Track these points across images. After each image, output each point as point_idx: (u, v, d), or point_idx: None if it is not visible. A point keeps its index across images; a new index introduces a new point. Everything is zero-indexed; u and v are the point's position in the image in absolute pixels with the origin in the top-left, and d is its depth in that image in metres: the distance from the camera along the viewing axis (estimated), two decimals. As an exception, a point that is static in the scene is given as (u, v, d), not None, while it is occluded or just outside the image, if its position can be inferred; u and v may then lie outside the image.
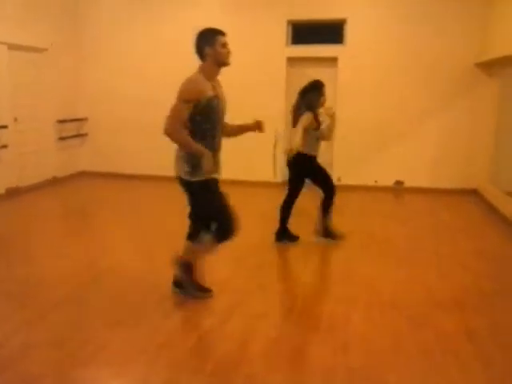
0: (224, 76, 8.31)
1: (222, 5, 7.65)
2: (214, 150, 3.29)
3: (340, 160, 7.67)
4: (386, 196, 7.26)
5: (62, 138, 7.94)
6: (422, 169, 7.54)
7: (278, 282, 4.08)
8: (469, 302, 3.65)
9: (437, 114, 7.34)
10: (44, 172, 7.69)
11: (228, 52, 3.25)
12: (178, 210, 6.34)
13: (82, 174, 8.54)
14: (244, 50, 7.66)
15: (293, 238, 4.94)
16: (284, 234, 4.92)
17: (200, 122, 3.17)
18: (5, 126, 6.71)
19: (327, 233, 4.94)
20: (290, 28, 7.61)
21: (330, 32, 7.51)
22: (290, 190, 4.85)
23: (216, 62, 3.24)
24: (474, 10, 6.91)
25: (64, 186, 7.76)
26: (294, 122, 4.66)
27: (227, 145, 3.59)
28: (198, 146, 3.14)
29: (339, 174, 7.67)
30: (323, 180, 4.86)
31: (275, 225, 4.92)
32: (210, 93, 3.15)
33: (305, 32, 7.61)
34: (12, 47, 6.82)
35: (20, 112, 7.11)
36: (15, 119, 6.98)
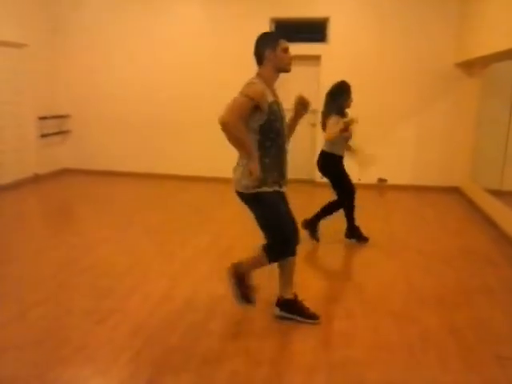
0: (205, 74, 8.32)
1: (204, 3, 7.61)
2: (279, 161, 3.07)
3: (323, 158, 7.69)
4: (369, 194, 7.30)
5: (43, 135, 7.84)
6: (405, 167, 7.61)
7: (259, 278, 4.07)
8: (451, 298, 3.70)
9: (419, 113, 7.41)
10: (25, 169, 7.58)
11: (290, 58, 3.08)
12: (159, 206, 6.36)
13: (65, 172, 8.44)
14: (227, 47, 7.66)
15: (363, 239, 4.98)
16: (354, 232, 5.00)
17: (265, 131, 2.96)
18: (-16, 123, 6.61)
19: (314, 230, 4.98)
20: (273, 26, 7.60)
21: (313, 30, 7.52)
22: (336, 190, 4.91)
23: (276, 68, 3.06)
24: (454, 10, 6.99)
25: (46, 183, 7.67)
26: (324, 125, 4.76)
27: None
28: (253, 150, 2.93)
29: (322, 172, 7.71)
30: (344, 185, 4.88)
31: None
32: (270, 98, 2.97)
33: (288, 30, 7.61)
34: (-9, 43, 6.72)
35: (0, 109, 6.99)
36: (-5, 116, 6.87)
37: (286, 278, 3.28)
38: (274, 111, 2.97)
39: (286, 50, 3.05)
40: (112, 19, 7.92)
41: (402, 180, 7.61)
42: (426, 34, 7.13)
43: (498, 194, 5.71)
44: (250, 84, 2.94)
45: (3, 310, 3.35)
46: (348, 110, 4.82)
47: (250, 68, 7.34)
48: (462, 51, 6.82)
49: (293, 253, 3.17)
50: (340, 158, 4.85)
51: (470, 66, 6.96)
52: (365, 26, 7.32)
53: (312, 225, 4.95)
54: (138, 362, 2.74)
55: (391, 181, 7.65)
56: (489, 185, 6.08)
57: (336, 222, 5.06)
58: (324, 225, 5.00)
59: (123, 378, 2.60)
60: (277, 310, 3.32)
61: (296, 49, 7.50)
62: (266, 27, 7.48)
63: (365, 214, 6.06)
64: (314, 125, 7.64)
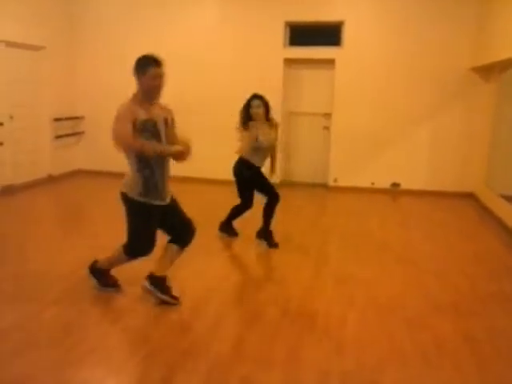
0: (222, 76, 8.33)
1: (221, 6, 7.64)
2: (154, 176, 3.32)
3: (336, 161, 7.67)
4: (382, 198, 7.26)
5: (58, 137, 7.91)
6: (419, 171, 7.55)
7: (274, 283, 4.06)
8: (466, 305, 3.65)
9: (433, 117, 7.36)
10: (39, 170, 7.65)
11: (158, 85, 3.18)
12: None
13: (78, 173, 8.51)
14: (242, 50, 7.67)
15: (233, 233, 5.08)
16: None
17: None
18: (0, 124, 6.69)
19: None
20: (288, 29, 7.60)
21: (327, 34, 7.51)
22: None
23: (143, 92, 3.21)
24: (471, 14, 6.94)
25: (60, 184, 7.73)
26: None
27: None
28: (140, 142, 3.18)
29: (335, 176, 7.70)
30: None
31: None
32: (142, 116, 3.13)
33: (302, 34, 7.61)
34: (9, 45, 6.79)
35: (16, 110, 7.07)
36: (11, 117, 6.94)
37: (165, 260, 3.54)
38: (147, 128, 3.15)
39: (154, 78, 3.13)
40: (127, 22, 7.98)
41: (415, 185, 7.55)
42: (442, 38, 7.08)
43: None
44: (119, 108, 3.17)
45: (19, 309, 3.36)
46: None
47: (265, 71, 7.40)
48: (478, 56, 6.76)
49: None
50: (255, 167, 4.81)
51: (487, 71, 6.89)
52: (379, 30, 7.28)
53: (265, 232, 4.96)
54: (149, 364, 2.74)
55: (405, 186, 7.59)
56: (504, 190, 6.00)
57: (342, 227, 5.02)
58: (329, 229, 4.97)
59: (136, 379, 2.60)
60: (146, 283, 3.51)
61: (310, 53, 7.59)
62: (281, 31, 7.49)
63: (379, 219, 6.03)
64: (327, 128, 7.62)
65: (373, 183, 7.60)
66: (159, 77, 3.15)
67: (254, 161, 4.74)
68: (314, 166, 7.90)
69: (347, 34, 7.36)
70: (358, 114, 7.45)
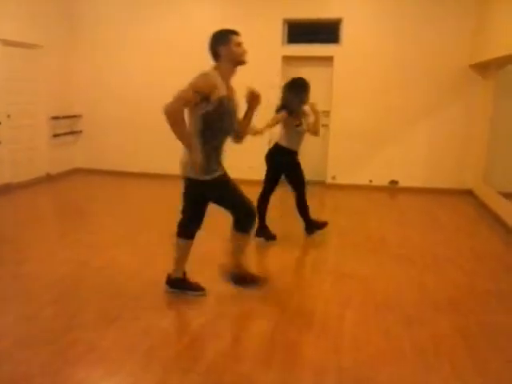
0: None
1: (220, 4, 7.63)
2: (216, 150, 3.31)
3: (335, 159, 7.68)
4: (380, 195, 7.26)
5: (56, 135, 7.90)
6: (417, 169, 7.55)
7: (272, 280, 4.06)
8: (463, 301, 3.66)
9: (432, 115, 7.36)
10: (37, 169, 7.65)
11: (243, 50, 3.21)
12: (171, 207, 6.35)
13: (77, 171, 8.50)
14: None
15: (271, 237, 4.96)
16: (263, 231, 4.95)
17: (211, 121, 3.13)
18: (-2, 123, 6.68)
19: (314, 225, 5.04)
20: (286, 27, 7.59)
21: (325, 31, 7.50)
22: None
23: (231, 61, 3.20)
24: (469, 11, 6.93)
25: (58, 182, 7.72)
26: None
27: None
28: (193, 142, 3.16)
29: (334, 173, 7.71)
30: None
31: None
32: (223, 92, 3.11)
33: (301, 31, 7.60)
34: (6, 43, 6.78)
35: (13, 108, 7.06)
36: (8, 116, 6.93)
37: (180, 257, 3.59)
38: (223, 105, 3.12)
39: (238, 44, 3.18)
40: (126, 21, 7.97)
41: (413, 182, 7.56)
42: (440, 35, 7.08)
43: (511, 196, 5.65)
44: (203, 75, 3.07)
45: (17, 309, 3.37)
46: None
47: (264, 68, 7.40)
48: (476, 52, 6.76)
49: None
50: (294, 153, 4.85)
51: (484, 68, 6.89)
52: (377, 28, 7.28)
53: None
54: (146, 363, 2.74)
55: (403, 183, 7.60)
56: (502, 187, 6.01)
57: (340, 224, 5.03)
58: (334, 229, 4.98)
59: (134, 378, 2.60)
60: (167, 288, 3.64)
61: (309, 50, 7.58)
62: (279, 29, 7.48)
63: (377, 216, 6.04)
64: (325, 125, 7.62)
65: (371, 181, 7.61)
66: (242, 43, 3.20)
67: (294, 147, 4.80)
68: (313, 163, 7.88)
69: (345, 32, 7.36)
70: (357, 112, 7.45)
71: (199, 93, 2.99)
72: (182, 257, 3.59)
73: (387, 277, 4.14)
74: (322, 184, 7.77)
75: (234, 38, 3.18)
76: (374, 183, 7.59)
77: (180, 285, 3.61)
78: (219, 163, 3.35)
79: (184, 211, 3.57)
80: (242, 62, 3.24)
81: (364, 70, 7.39)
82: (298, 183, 4.89)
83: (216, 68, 3.19)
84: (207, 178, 3.24)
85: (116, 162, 8.42)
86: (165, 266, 3.81)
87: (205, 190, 3.32)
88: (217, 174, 3.29)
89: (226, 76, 3.21)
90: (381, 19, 7.25)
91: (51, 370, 2.65)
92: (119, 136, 8.32)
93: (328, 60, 7.47)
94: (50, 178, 7.81)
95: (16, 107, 7.12)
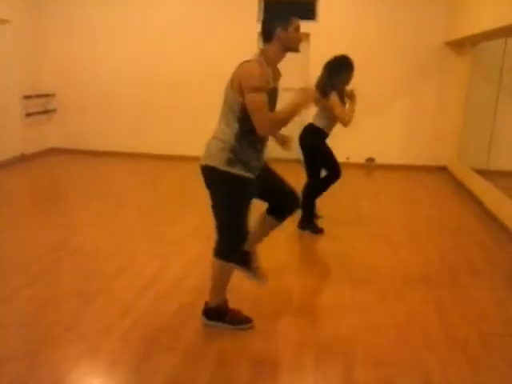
0: (196, 50, 8.19)
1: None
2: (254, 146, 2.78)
3: (312, 137, 7.68)
4: (357, 173, 7.32)
5: (28, 114, 7.72)
6: (393, 146, 7.63)
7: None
8: (437, 277, 3.76)
9: (408, 92, 7.41)
10: (11, 149, 7.46)
11: (301, 37, 2.90)
12: (148, 186, 6.34)
13: (52, 151, 8.35)
14: (216, 25, 7.55)
15: (318, 230, 4.71)
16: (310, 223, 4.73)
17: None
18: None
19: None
20: (262, 3, 7.50)
21: (302, 8, 7.44)
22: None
23: (284, 46, 2.82)
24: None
25: (33, 163, 7.58)
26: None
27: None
28: (291, 107, 2.71)
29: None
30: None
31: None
32: (270, 83, 2.75)
33: (277, 7, 7.51)
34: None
35: (-17, 87, 6.87)
36: (-22, 95, 6.75)
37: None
38: (270, 98, 2.74)
39: (297, 29, 2.88)
40: (97, -5, 7.77)
41: (389, 159, 7.64)
42: (417, 12, 7.09)
43: (484, 173, 5.76)
44: (252, 69, 2.65)
45: (-9, 291, 3.34)
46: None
47: (240, 46, 7.32)
48: (451, 30, 6.80)
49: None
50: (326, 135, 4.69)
51: (460, 45, 6.94)
52: (354, 4, 7.25)
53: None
54: (127, 342, 2.76)
55: (380, 160, 7.68)
56: (476, 164, 6.12)
57: (317, 202, 5.07)
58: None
59: (113, 357, 2.62)
60: (203, 319, 3.03)
61: (285, 27, 7.49)
62: (255, 5, 7.39)
63: (353, 193, 6.11)
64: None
65: (348, 158, 7.64)
66: (300, 30, 2.91)
67: (327, 130, 4.67)
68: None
69: (322, 9, 7.31)
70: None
71: (264, 88, 2.63)
72: (225, 281, 2.96)
73: (363, 253, 4.21)
74: (298, 161, 7.77)
75: (295, 22, 2.85)
76: (351, 160, 7.63)
77: (222, 316, 2.99)
78: (260, 159, 2.85)
79: (228, 225, 2.83)
80: (295, 50, 2.90)
81: (340, 48, 7.23)
82: (319, 170, 4.71)
83: (263, 52, 2.79)
84: (249, 175, 2.74)
85: (91, 141, 8.29)
86: (141, 245, 3.81)
87: (247, 186, 2.77)
88: (257, 171, 2.81)
89: (273, 61, 2.81)
90: (357, -4, 7.21)
91: (30, 350, 2.65)
92: (94, 114, 8.17)
93: (305, 37, 7.42)
94: (24, 159, 7.66)
95: (-14, 86, 6.92)
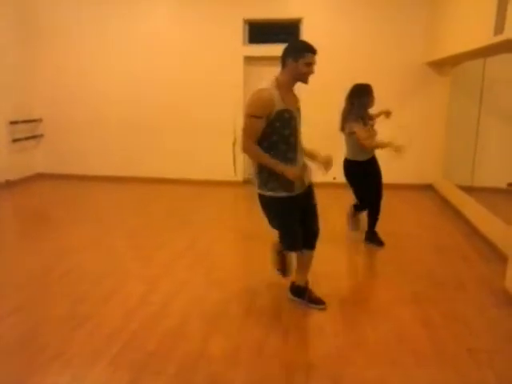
0: (181, 74, 8.25)
1: (179, 3, 7.59)
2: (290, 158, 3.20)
3: (299, 158, 7.74)
4: (344, 192, 7.36)
5: (15, 140, 7.71)
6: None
7: (235, 279, 4.09)
8: (424, 293, 3.78)
9: (391, 111, 7.51)
10: (-4, 175, 7.43)
11: (310, 72, 3.16)
12: (136, 210, 6.32)
13: (38, 177, 8.31)
14: (201, 48, 7.65)
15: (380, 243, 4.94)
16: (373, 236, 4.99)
17: (266, 135, 3.04)
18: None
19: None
20: (247, 27, 7.63)
21: (286, 31, 7.57)
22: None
23: (292, 77, 3.13)
24: (423, 12, 7.11)
25: (18, 189, 7.54)
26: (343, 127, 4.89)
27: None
28: (275, 162, 3.07)
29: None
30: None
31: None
32: (280, 105, 3.00)
33: (262, 31, 7.65)
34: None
35: (-31, 114, 6.85)
36: (-35, 121, 6.73)
37: (300, 266, 3.56)
38: (283, 119, 3.02)
39: (308, 64, 3.09)
40: (86, 20, 7.82)
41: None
42: (397, 34, 7.24)
43: (469, 190, 5.84)
44: (257, 95, 2.99)
45: (-23, 319, 3.30)
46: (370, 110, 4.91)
47: (225, 69, 7.41)
48: (430, 51, 6.95)
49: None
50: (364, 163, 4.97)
51: (440, 65, 7.10)
52: (336, 27, 7.39)
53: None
54: (115, 367, 2.73)
55: (366, 179, 7.73)
56: (460, 181, 6.20)
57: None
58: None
59: (102, 382, 2.59)
60: (289, 294, 3.62)
61: (270, 50, 7.62)
62: (240, 29, 7.51)
63: (340, 212, 6.14)
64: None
65: (334, 178, 7.69)
66: (314, 64, 3.13)
67: (359, 157, 5.02)
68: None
69: (305, 31, 7.45)
70: (317, 110, 7.53)
71: (261, 117, 2.94)
72: (298, 265, 3.57)
73: (350, 271, 4.23)
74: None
75: (308, 56, 3.09)
76: (338, 180, 7.68)
77: (302, 294, 3.57)
78: (298, 164, 3.30)
79: (284, 231, 3.43)
80: (303, 82, 3.18)
81: (324, 70, 7.43)
82: (364, 194, 5.09)
83: (276, 78, 3.11)
84: (291, 194, 3.23)
85: (79, 166, 8.28)
86: (129, 269, 3.79)
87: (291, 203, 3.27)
88: (300, 185, 3.35)
89: (286, 87, 3.11)
90: (339, 19, 7.35)
91: (17, 378, 2.61)
92: (82, 140, 8.18)
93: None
94: (10, 185, 7.62)
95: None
